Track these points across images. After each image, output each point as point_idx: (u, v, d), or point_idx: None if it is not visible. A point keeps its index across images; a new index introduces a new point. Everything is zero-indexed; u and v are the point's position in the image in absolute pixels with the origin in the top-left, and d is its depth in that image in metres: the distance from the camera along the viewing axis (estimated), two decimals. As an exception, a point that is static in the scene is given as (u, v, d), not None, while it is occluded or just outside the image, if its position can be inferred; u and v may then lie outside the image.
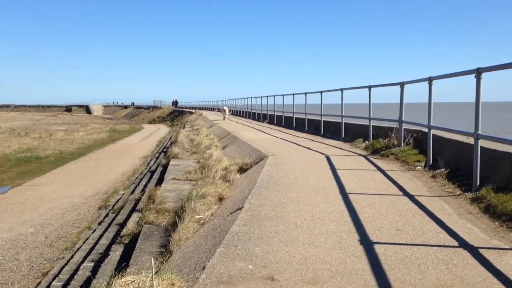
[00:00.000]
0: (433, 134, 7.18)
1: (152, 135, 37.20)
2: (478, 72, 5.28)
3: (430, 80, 7.14)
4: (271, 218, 4.38)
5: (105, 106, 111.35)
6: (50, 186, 15.02)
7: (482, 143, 5.41)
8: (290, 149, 10.05)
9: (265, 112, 23.69)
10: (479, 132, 5.27)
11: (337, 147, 10.29)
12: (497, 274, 3.02)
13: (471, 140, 5.71)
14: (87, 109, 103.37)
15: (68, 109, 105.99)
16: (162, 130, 41.92)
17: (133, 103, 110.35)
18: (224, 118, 25.99)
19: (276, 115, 21.17)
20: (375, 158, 8.31)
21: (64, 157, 22.99)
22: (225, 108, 27.48)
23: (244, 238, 3.79)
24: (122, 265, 4.36)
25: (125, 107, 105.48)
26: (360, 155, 8.86)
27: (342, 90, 12.30)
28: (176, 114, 58.75)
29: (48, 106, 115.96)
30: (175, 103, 79.88)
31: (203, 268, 3.18)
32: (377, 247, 3.52)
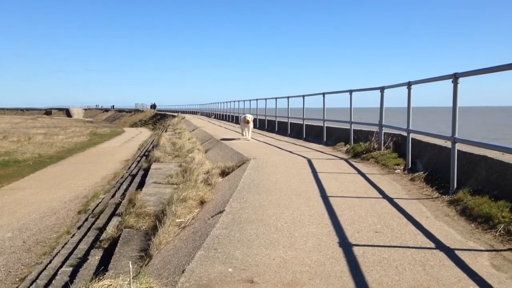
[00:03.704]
0: (412, 138, 7.29)
1: (134, 138, 36.84)
2: (455, 77, 5.39)
3: (409, 84, 7.25)
4: (252, 221, 4.39)
5: (85, 109, 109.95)
6: (29, 190, 14.73)
7: (459, 146, 5.53)
8: (272, 152, 10.08)
9: (248, 116, 23.68)
10: (456, 136, 5.37)
11: (318, 151, 10.36)
12: (472, 275, 3.08)
13: (448, 144, 5.81)
14: (67, 112, 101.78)
15: (48, 112, 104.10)
16: (144, 134, 41.57)
17: (113, 106, 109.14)
18: (245, 134, 13.59)
19: (259, 119, 21.21)
20: (356, 162, 8.39)
21: (43, 160, 22.56)
22: (248, 117, 13.66)
23: (225, 241, 3.78)
24: (101, 269, 4.31)
25: (106, 110, 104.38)
26: (341, 158, 8.94)
27: (324, 94, 12.41)
28: (158, 118, 58.44)
29: (27, 109, 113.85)
30: (153, 106, 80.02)
31: (183, 272, 3.17)
32: (356, 249, 3.56)
